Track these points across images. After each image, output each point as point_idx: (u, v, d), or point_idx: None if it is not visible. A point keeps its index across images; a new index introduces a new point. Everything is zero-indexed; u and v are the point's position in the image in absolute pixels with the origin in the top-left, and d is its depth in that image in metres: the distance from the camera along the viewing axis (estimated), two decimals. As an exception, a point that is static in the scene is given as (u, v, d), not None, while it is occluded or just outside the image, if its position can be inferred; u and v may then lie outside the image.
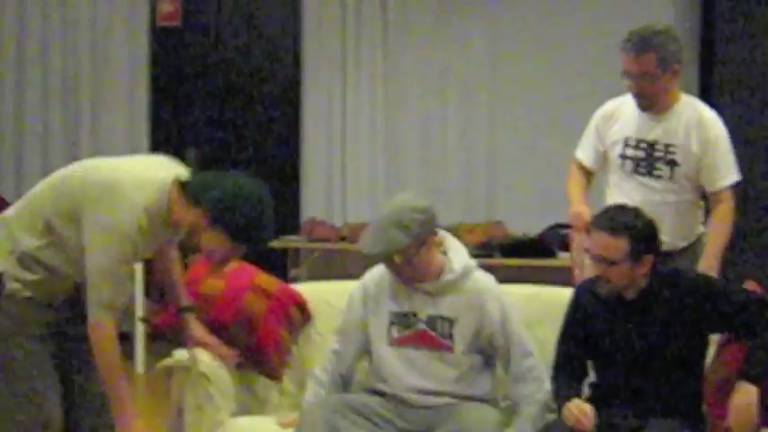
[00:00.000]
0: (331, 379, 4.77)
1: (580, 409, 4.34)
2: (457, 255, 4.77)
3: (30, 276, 4.19)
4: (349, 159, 9.35)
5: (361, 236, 4.72)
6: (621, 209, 4.55)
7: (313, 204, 9.43)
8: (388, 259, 4.62)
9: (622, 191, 5.22)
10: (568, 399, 4.41)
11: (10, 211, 4.33)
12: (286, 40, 9.73)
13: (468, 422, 4.47)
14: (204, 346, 4.80)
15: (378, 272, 4.84)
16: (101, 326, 4.12)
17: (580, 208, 5.23)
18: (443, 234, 4.80)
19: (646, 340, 4.44)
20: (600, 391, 4.56)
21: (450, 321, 4.67)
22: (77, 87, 9.78)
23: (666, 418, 4.35)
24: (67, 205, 4.17)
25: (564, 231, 8.20)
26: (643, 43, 5.00)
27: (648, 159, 5.16)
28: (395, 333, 4.72)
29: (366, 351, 4.83)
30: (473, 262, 4.78)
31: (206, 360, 4.85)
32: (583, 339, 4.59)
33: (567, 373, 4.60)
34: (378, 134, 9.34)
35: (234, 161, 9.72)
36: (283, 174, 9.66)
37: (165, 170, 4.27)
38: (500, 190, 9.13)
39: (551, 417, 4.57)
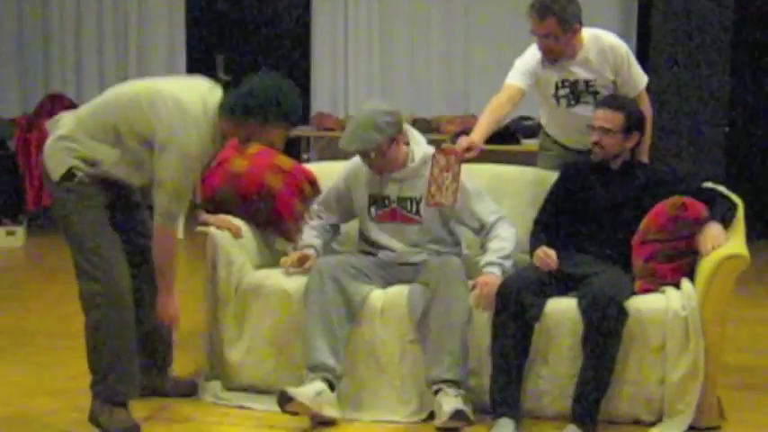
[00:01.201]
0: (319, 226, 4.96)
1: (547, 253, 4.54)
2: (418, 145, 4.82)
3: (94, 171, 4.22)
4: (351, 62, 9.34)
5: (341, 135, 4.76)
6: (621, 96, 4.87)
7: (321, 100, 9.43)
8: (364, 155, 4.71)
9: (561, 118, 5.19)
10: (540, 246, 4.61)
11: (72, 122, 4.28)
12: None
13: (441, 267, 4.58)
14: (213, 223, 4.82)
15: (357, 162, 4.91)
16: (164, 230, 4.18)
17: (473, 139, 4.81)
18: (406, 128, 4.84)
19: (616, 199, 4.68)
20: (571, 236, 4.73)
21: (417, 200, 4.77)
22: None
23: (613, 263, 4.59)
24: (139, 124, 4.15)
25: (527, 123, 8.24)
26: (544, 9, 4.80)
27: (574, 94, 5.04)
28: (373, 212, 4.84)
29: (346, 216, 4.98)
30: (430, 149, 4.80)
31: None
32: (563, 200, 4.78)
33: (542, 227, 4.79)
34: (374, 42, 9.32)
35: (254, 65, 9.70)
36: (296, 75, 9.64)
37: (212, 94, 4.27)
38: (474, 88, 9.13)
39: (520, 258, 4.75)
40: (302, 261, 4.79)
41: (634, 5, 8.73)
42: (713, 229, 4.47)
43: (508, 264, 4.65)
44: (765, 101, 8.67)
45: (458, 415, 4.31)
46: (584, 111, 5.00)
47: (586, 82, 5.00)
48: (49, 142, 4.29)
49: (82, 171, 4.21)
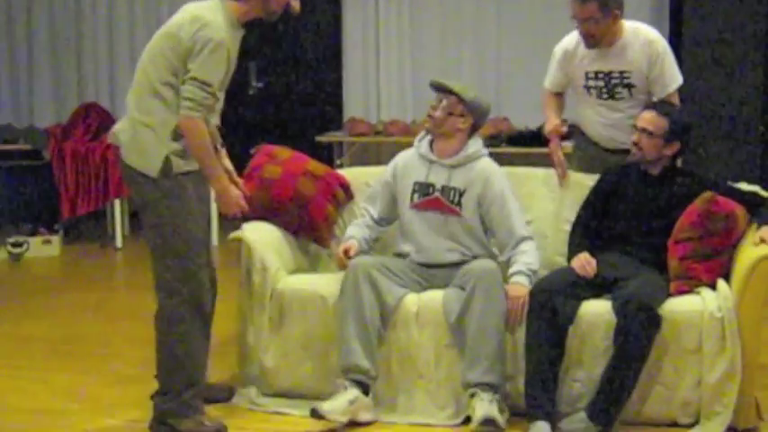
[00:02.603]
0: (364, 223, 4.96)
1: (587, 259, 4.57)
2: (474, 141, 4.87)
3: (180, 146, 4.24)
4: (382, 68, 9.34)
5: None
6: (671, 104, 4.88)
7: (353, 105, 9.43)
8: (443, 91, 4.85)
9: (593, 110, 5.20)
10: (578, 251, 4.65)
11: (132, 104, 4.38)
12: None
13: (477, 270, 4.57)
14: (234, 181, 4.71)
15: (407, 154, 4.97)
16: (192, 121, 4.15)
17: (555, 122, 5.26)
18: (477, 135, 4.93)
19: (655, 205, 4.68)
20: (607, 239, 4.74)
21: (460, 191, 4.78)
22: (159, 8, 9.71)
23: (650, 266, 4.58)
24: (172, 54, 4.20)
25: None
26: None
27: (608, 86, 5.08)
28: (416, 198, 4.84)
29: (390, 210, 4.96)
30: (485, 150, 4.89)
31: (266, 233, 4.97)
32: (603, 204, 4.80)
33: (581, 231, 4.82)
34: (405, 46, 9.30)
35: (286, 72, 9.74)
36: (328, 81, 9.67)
37: None
38: (505, 91, 9.11)
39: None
40: (347, 252, 4.79)
41: (665, 6, 8.70)
42: (766, 230, 4.45)
43: (533, 279, 4.65)
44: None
45: (488, 422, 4.32)
46: (618, 105, 5.06)
47: (621, 73, 5.03)
48: (125, 138, 4.33)
49: (175, 154, 4.24)
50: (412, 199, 4.85)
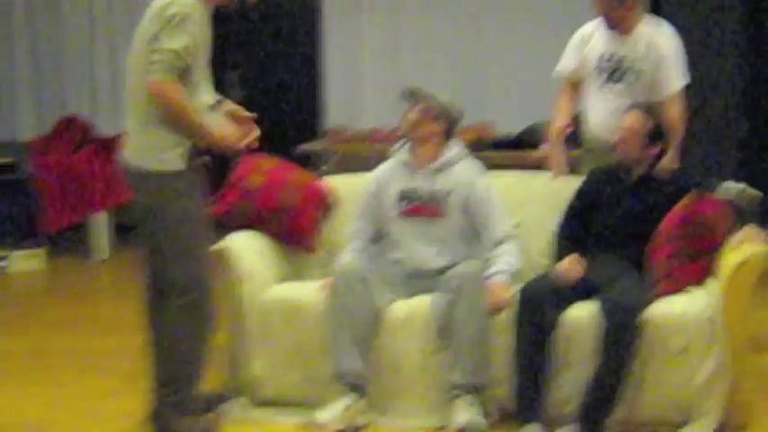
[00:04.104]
0: (359, 246, 4.91)
1: (572, 263, 4.60)
2: (453, 144, 4.90)
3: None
4: (364, 76, 9.34)
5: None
6: (656, 107, 4.93)
7: (336, 114, 9.42)
8: (415, 98, 4.88)
9: (599, 96, 5.32)
10: (565, 255, 4.67)
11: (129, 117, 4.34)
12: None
13: (462, 272, 4.58)
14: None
15: (387, 165, 4.98)
16: (161, 82, 4.11)
17: (563, 122, 5.39)
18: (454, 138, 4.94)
19: (639, 206, 4.69)
20: (592, 242, 4.75)
21: (446, 194, 4.80)
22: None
23: (635, 269, 4.58)
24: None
25: (542, 129, 8.20)
26: None
27: (619, 70, 5.22)
28: (402, 206, 4.86)
29: (380, 225, 4.93)
30: (466, 151, 4.93)
31: (252, 242, 4.96)
32: (587, 206, 4.82)
33: (566, 235, 4.83)
34: (386, 57, 9.31)
35: (266, 81, 9.73)
36: (309, 90, 9.67)
37: None
38: (489, 97, 9.12)
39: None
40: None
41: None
42: (752, 231, 4.47)
43: (514, 279, 4.66)
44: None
45: (465, 430, 4.38)
46: (625, 88, 5.19)
47: (633, 59, 5.18)
48: (133, 147, 4.32)
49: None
50: (398, 207, 4.86)
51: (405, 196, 4.86)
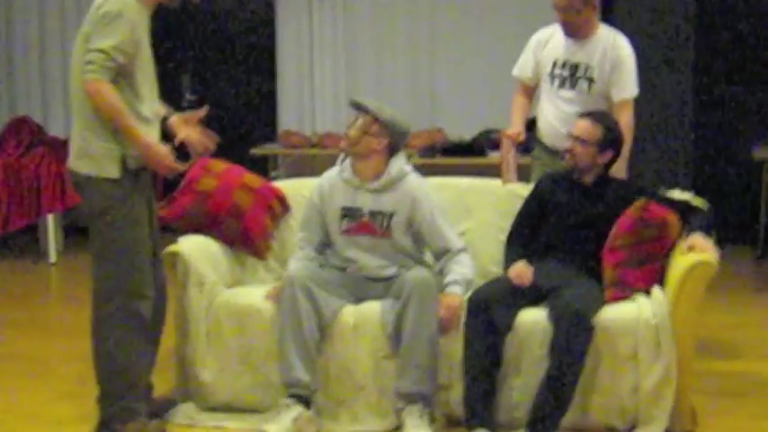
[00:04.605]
0: (305, 254, 4.85)
1: (522, 268, 4.60)
2: (396, 160, 4.79)
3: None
4: (316, 80, 9.31)
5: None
6: (606, 113, 4.95)
7: (288, 117, 9.40)
8: (360, 110, 4.75)
9: (550, 102, 5.37)
10: (515, 260, 4.67)
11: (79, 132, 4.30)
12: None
13: (411, 280, 4.55)
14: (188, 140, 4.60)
15: (330, 174, 4.90)
16: (95, 81, 4.10)
17: (517, 129, 5.40)
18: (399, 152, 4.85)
19: (589, 214, 4.71)
20: (542, 248, 4.75)
21: (389, 215, 4.74)
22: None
23: (585, 275, 4.61)
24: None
25: (492, 135, 8.26)
26: None
27: (572, 78, 5.28)
28: (345, 224, 4.80)
29: (325, 235, 4.89)
30: (408, 167, 4.82)
31: (202, 246, 4.93)
32: (537, 212, 4.82)
33: (517, 241, 4.84)
34: (339, 62, 9.29)
35: (221, 85, 9.69)
36: (262, 93, 9.64)
37: None
38: (440, 103, 9.13)
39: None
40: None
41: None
42: (699, 239, 4.49)
43: (469, 289, 4.64)
44: (729, 104, 8.69)
45: None
46: (576, 96, 5.25)
47: (587, 67, 5.24)
48: (75, 149, 4.31)
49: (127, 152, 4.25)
50: (341, 224, 4.81)
51: (348, 214, 4.80)
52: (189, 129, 4.56)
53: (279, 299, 4.61)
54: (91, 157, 4.23)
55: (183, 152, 4.50)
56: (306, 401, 4.50)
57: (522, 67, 5.52)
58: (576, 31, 5.24)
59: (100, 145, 4.21)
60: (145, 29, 4.32)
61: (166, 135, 4.51)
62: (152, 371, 4.55)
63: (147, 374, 4.49)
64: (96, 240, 4.32)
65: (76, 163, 4.28)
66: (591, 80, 5.24)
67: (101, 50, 4.09)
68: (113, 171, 4.22)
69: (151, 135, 4.30)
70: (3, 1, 9.52)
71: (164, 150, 4.29)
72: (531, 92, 5.55)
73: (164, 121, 4.55)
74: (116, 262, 4.28)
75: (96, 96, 4.12)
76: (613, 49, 5.24)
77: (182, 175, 5.03)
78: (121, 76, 4.17)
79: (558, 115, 5.32)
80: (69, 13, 9.43)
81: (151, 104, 4.37)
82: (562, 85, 5.31)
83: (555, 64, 5.32)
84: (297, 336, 4.51)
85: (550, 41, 5.38)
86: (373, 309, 4.63)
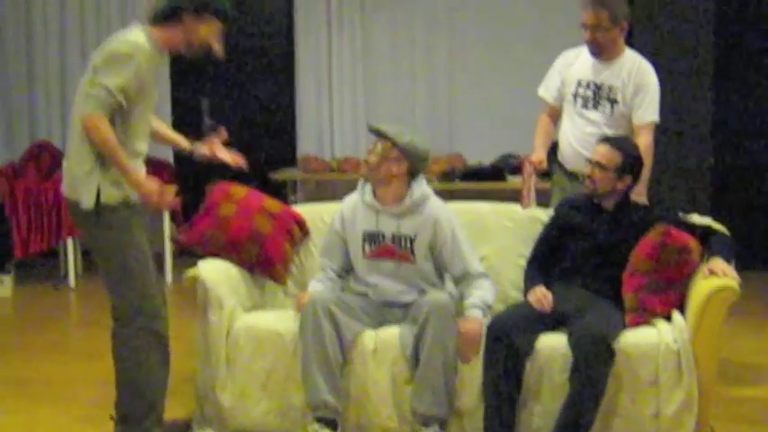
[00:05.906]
0: (326, 278, 4.86)
1: (544, 294, 4.59)
2: (418, 185, 4.79)
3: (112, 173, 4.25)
4: (335, 105, 9.35)
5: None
6: (628, 138, 4.96)
7: (307, 142, 9.43)
8: (379, 135, 4.74)
9: (572, 122, 5.38)
10: (535, 285, 4.66)
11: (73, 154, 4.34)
12: (280, 12, 9.70)
13: (429, 303, 4.53)
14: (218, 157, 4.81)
15: (351, 200, 4.90)
16: (92, 116, 4.16)
17: (540, 157, 5.39)
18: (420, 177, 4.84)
19: (609, 239, 4.70)
20: (562, 273, 4.75)
21: (411, 238, 4.74)
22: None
23: (605, 299, 4.59)
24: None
25: (511, 160, 8.27)
26: (599, 2, 5.16)
27: (595, 98, 5.29)
28: (367, 248, 4.80)
29: (347, 260, 4.90)
30: (429, 190, 4.82)
31: (222, 270, 4.93)
32: (557, 237, 4.82)
33: (537, 265, 4.84)
34: (358, 88, 9.33)
35: (241, 111, 9.71)
36: (281, 119, 9.66)
37: (135, 26, 4.37)
38: (459, 127, 9.14)
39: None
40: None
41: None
42: (719, 263, 4.48)
43: (488, 313, 4.64)
44: (749, 130, 8.67)
45: None
46: (597, 118, 5.26)
47: (610, 88, 5.26)
48: (65, 173, 4.36)
49: (107, 182, 4.27)
50: (363, 249, 4.81)
51: (370, 238, 4.80)
52: (218, 149, 4.77)
53: (300, 321, 4.60)
54: (73, 186, 4.30)
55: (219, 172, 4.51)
56: (333, 424, 4.49)
57: (548, 87, 5.54)
58: (601, 51, 5.25)
59: (82, 174, 4.25)
60: (154, 73, 4.36)
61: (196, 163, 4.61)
62: (165, 394, 4.55)
63: (162, 398, 4.49)
64: (100, 266, 4.39)
65: (66, 189, 4.36)
66: (614, 101, 5.26)
67: (104, 86, 4.16)
68: (87, 202, 4.25)
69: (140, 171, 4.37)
70: (23, 26, 9.57)
71: (153, 186, 4.31)
72: (556, 114, 5.54)
73: (190, 153, 4.74)
74: (125, 286, 4.32)
75: (93, 130, 4.18)
76: (639, 74, 5.26)
77: (201, 199, 5.06)
78: (119, 113, 4.23)
79: (579, 137, 5.32)
80: (90, 38, 9.46)
81: (142, 142, 4.43)
82: (585, 105, 5.33)
83: (579, 83, 5.34)
84: (322, 358, 4.50)
85: (577, 62, 5.40)
86: (393, 333, 4.62)
